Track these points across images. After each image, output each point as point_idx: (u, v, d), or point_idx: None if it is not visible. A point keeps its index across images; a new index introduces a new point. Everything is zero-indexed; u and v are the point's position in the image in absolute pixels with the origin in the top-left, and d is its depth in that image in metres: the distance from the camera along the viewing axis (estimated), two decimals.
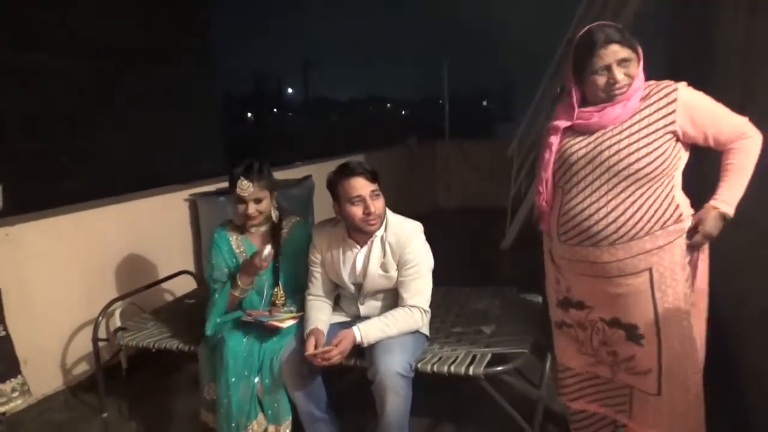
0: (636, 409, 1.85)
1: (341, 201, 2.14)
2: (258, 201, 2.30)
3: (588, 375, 1.97)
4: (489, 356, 2.17)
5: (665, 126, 1.69)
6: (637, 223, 1.68)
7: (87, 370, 3.08)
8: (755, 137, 1.71)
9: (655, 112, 1.71)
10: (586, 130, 1.77)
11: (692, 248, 1.73)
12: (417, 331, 2.20)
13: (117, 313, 3.06)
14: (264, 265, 2.26)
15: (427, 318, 2.23)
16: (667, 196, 1.71)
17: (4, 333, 1.99)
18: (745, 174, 1.70)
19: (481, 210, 7.18)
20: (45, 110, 8.93)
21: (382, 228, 2.20)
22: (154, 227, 3.62)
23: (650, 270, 1.70)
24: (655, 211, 1.69)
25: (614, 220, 1.70)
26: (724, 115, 1.71)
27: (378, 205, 2.13)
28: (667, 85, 1.73)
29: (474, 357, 2.17)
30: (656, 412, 1.78)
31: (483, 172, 7.63)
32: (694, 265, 1.76)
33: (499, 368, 2.10)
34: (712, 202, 1.72)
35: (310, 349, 2.06)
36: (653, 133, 1.69)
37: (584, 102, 1.80)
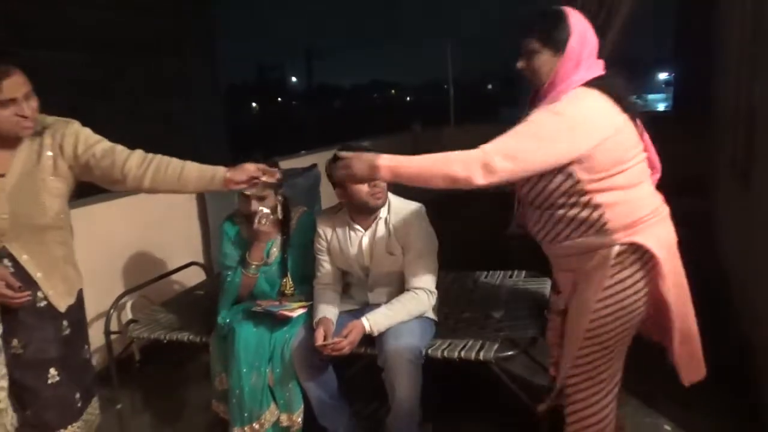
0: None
1: (345, 183, 2.14)
2: (261, 199, 2.30)
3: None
4: (499, 341, 2.17)
5: None
6: (559, 233, 1.66)
7: (100, 363, 3.10)
8: (480, 155, 1.54)
9: None
10: None
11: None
12: (425, 316, 2.21)
13: (128, 305, 3.08)
14: (262, 226, 2.26)
15: (433, 299, 2.23)
16: (581, 212, 1.61)
17: (88, 355, 2.00)
18: (426, 166, 1.58)
19: (488, 194, 7.11)
20: (48, 104, 8.96)
21: (385, 210, 2.21)
22: (162, 219, 3.63)
23: (577, 270, 1.69)
24: (568, 223, 1.64)
25: (541, 228, 1.71)
26: (512, 133, 1.58)
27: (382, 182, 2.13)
28: (561, 93, 1.61)
29: (484, 342, 2.17)
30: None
31: None
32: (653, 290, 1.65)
33: (509, 353, 2.11)
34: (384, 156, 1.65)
35: (320, 339, 2.07)
36: None
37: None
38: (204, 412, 2.54)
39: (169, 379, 3.04)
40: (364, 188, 2.11)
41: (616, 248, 1.59)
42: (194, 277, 3.45)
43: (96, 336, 3.02)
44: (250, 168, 1.85)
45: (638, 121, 1.63)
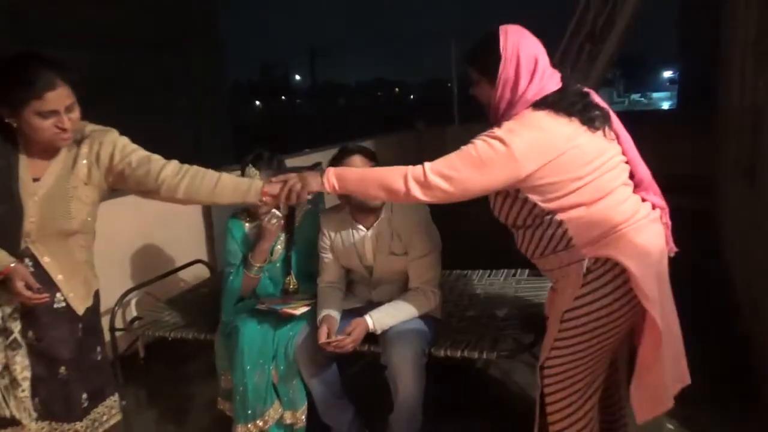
0: None
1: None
2: None
3: None
4: (503, 339, 2.18)
5: None
6: (535, 249, 1.68)
7: (108, 359, 3.12)
8: (417, 170, 1.60)
9: None
10: None
11: None
12: (429, 315, 2.22)
13: (133, 302, 3.10)
14: (271, 226, 2.26)
15: (437, 299, 2.24)
16: (547, 230, 1.61)
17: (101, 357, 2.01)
18: (367, 177, 1.68)
19: None
20: None
21: (388, 209, 2.21)
22: (167, 218, 3.64)
23: (555, 283, 1.72)
24: (539, 241, 1.65)
25: (521, 244, 1.73)
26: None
27: None
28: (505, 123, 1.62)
29: (487, 340, 2.18)
30: None
31: None
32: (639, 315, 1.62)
33: (513, 351, 2.11)
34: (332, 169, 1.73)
35: (323, 337, 2.08)
36: None
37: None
38: (208, 409, 2.55)
39: (174, 376, 3.06)
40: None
41: (585, 262, 1.57)
42: (199, 274, 3.47)
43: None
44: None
45: (610, 129, 1.59)
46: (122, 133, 1.90)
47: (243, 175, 2.28)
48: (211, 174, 1.83)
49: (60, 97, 1.62)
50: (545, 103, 1.54)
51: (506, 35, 1.56)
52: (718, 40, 5.53)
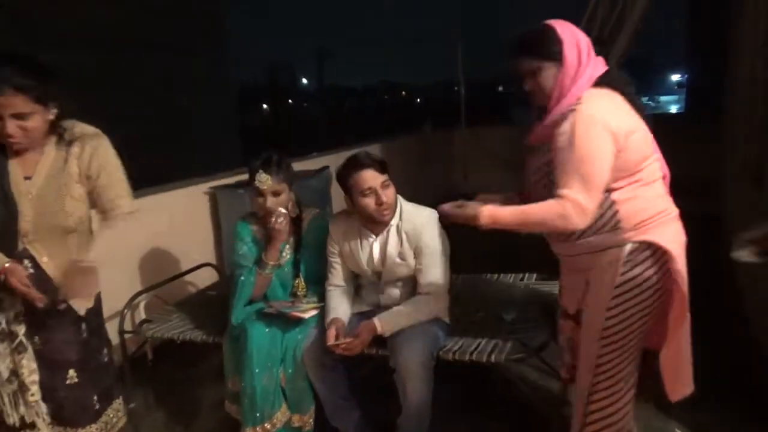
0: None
1: (353, 194, 2.15)
2: (276, 194, 2.30)
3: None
4: (510, 343, 2.17)
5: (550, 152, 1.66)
6: (573, 231, 1.66)
7: (114, 362, 3.13)
8: (568, 205, 1.57)
9: (557, 131, 1.63)
10: (530, 143, 1.79)
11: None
12: (437, 319, 2.22)
13: (141, 305, 3.11)
14: (279, 225, 2.27)
15: (446, 304, 2.24)
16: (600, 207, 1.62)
17: (107, 358, 2.05)
18: (525, 218, 1.65)
19: None
20: (63, 104, 9.07)
21: (397, 216, 2.21)
22: (175, 220, 3.66)
23: (589, 269, 1.70)
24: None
25: None
26: (572, 172, 1.58)
27: (389, 194, 2.14)
28: (571, 106, 1.61)
29: (495, 344, 2.18)
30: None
31: (500, 158, 7.58)
32: (665, 290, 1.67)
33: (521, 355, 2.11)
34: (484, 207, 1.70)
35: (331, 339, 2.08)
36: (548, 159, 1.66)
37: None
38: (216, 411, 2.56)
39: (182, 378, 3.07)
40: (370, 204, 2.12)
41: (629, 246, 1.61)
42: (207, 278, 3.48)
43: (110, 335, 3.06)
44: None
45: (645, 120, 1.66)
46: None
47: (252, 180, 2.29)
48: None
49: (3, 104, 1.61)
50: (604, 82, 1.62)
51: (559, 24, 1.65)
52: (727, 43, 5.51)
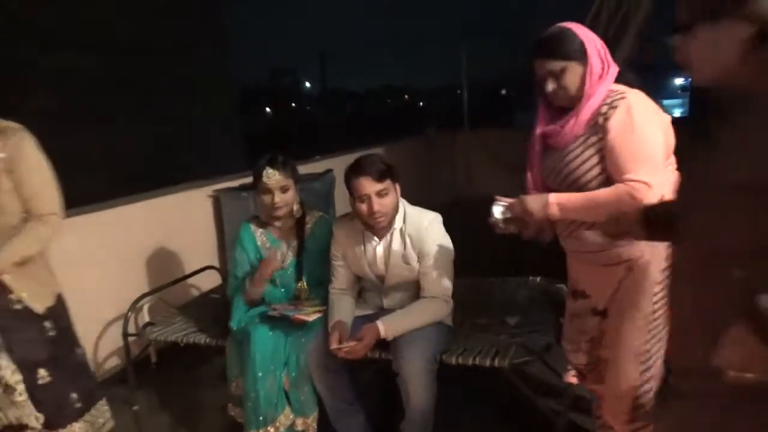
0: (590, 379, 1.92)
1: (353, 197, 2.16)
2: (284, 190, 2.32)
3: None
4: (514, 347, 2.17)
5: (596, 143, 1.64)
6: None
7: (117, 364, 3.15)
8: (636, 185, 1.54)
9: (593, 127, 1.64)
10: (553, 147, 1.76)
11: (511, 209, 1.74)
12: (440, 322, 2.21)
13: (145, 308, 3.12)
14: (272, 260, 2.28)
15: (449, 308, 2.23)
16: None
17: (83, 359, 2.05)
18: (593, 202, 1.61)
19: None
20: (66, 109, 9.09)
21: (400, 220, 2.21)
22: (178, 223, 3.67)
23: (629, 261, 1.69)
24: None
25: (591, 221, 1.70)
26: (636, 157, 1.57)
27: (385, 202, 2.12)
28: (616, 96, 1.62)
29: (499, 348, 2.17)
30: (608, 392, 1.83)
31: (504, 161, 7.58)
32: None
33: (525, 359, 2.10)
34: (552, 194, 1.68)
35: (334, 342, 2.08)
36: (588, 155, 1.65)
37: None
38: (219, 414, 2.56)
39: (185, 381, 3.07)
40: (364, 210, 2.12)
41: None
42: (210, 280, 3.48)
43: (114, 338, 3.07)
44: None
45: None
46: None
47: (260, 178, 2.30)
48: (17, 242, 1.81)
49: None
50: (620, 82, 1.67)
51: (575, 26, 1.68)
52: None
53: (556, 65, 1.65)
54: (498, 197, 1.77)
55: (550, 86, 1.67)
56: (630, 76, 1.70)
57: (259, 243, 2.44)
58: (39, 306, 1.86)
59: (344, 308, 2.25)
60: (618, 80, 1.67)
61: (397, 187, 2.19)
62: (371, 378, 2.55)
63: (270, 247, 2.41)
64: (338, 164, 4.58)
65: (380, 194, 2.11)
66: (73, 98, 9.36)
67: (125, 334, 2.77)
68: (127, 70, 10.70)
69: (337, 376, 2.20)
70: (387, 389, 2.15)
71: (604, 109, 1.62)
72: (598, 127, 1.63)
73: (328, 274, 2.36)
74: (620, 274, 1.71)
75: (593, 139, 1.64)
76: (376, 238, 2.23)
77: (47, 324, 1.88)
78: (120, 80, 10.55)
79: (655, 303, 1.67)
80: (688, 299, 1.10)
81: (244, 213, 3.23)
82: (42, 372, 1.84)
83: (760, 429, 0.98)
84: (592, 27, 5.69)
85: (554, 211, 1.66)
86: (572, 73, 1.64)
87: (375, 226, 2.17)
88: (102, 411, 2.03)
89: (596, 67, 1.64)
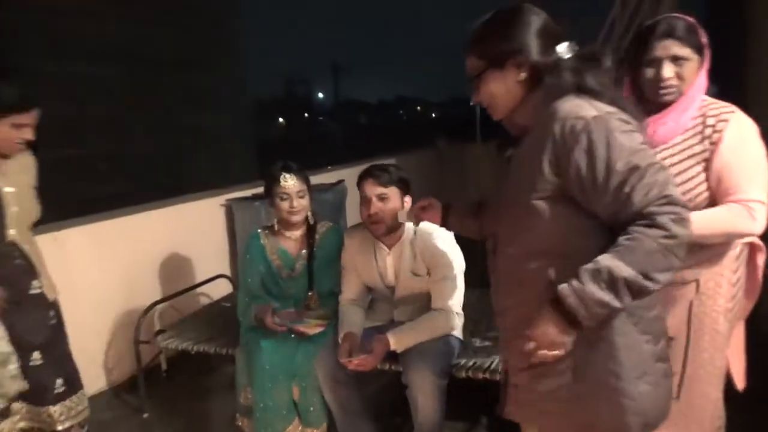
0: None
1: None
2: (301, 195, 2.35)
3: None
4: None
5: (701, 152, 1.56)
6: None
7: (128, 371, 3.16)
8: (754, 206, 1.50)
9: (698, 135, 1.57)
10: None
11: None
12: (451, 335, 2.20)
13: (156, 316, 3.13)
14: (269, 322, 2.26)
15: (460, 321, 2.23)
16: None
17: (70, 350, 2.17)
18: (707, 225, 1.51)
19: None
20: (84, 117, 9.22)
21: (411, 231, 2.21)
22: (191, 232, 3.69)
23: (697, 281, 1.64)
24: None
25: None
26: (752, 177, 1.52)
27: (383, 207, 2.12)
28: (723, 110, 1.57)
29: None
30: (672, 415, 1.76)
31: None
32: (754, 281, 1.70)
33: None
34: None
35: (344, 354, 2.08)
36: (690, 163, 1.57)
37: (640, 102, 1.65)
38: (228, 423, 2.56)
39: (195, 389, 3.08)
40: (363, 212, 2.15)
41: (739, 247, 1.64)
42: (222, 289, 3.50)
43: (125, 345, 3.09)
44: None
45: None
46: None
47: (276, 183, 2.33)
48: None
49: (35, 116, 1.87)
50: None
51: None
52: (743, 58, 5.47)
53: (682, 51, 1.55)
54: None
55: (669, 71, 1.56)
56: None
57: (268, 253, 2.45)
58: (51, 295, 2.04)
59: (354, 319, 2.25)
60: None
61: (407, 198, 2.19)
62: (380, 390, 2.54)
63: (277, 256, 2.43)
64: (350, 175, 4.59)
65: (380, 198, 2.12)
66: (89, 106, 9.50)
67: (136, 341, 2.79)
68: (143, 79, 10.84)
69: (347, 387, 2.20)
70: (396, 401, 2.14)
71: (711, 120, 1.56)
72: (704, 136, 1.56)
73: (338, 285, 2.37)
74: (686, 298, 1.65)
75: (698, 148, 1.56)
76: (386, 249, 2.24)
77: (51, 313, 2.04)
78: (136, 89, 10.69)
79: (729, 322, 1.66)
80: (509, 298, 1.38)
81: (256, 222, 3.25)
82: (36, 355, 1.98)
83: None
84: (605, 42, 5.70)
85: None
86: (692, 66, 1.56)
87: (371, 230, 2.18)
88: (81, 399, 2.15)
89: (706, 66, 1.57)
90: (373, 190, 2.12)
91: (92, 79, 9.29)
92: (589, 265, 1.15)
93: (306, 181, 2.38)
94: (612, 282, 1.13)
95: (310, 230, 2.46)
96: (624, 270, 1.11)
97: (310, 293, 2.43)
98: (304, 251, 2.44)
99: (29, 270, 1.97)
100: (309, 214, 2.44)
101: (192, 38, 12.21)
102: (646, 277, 1.12)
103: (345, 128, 32.74)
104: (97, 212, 3.40)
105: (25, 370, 1.95)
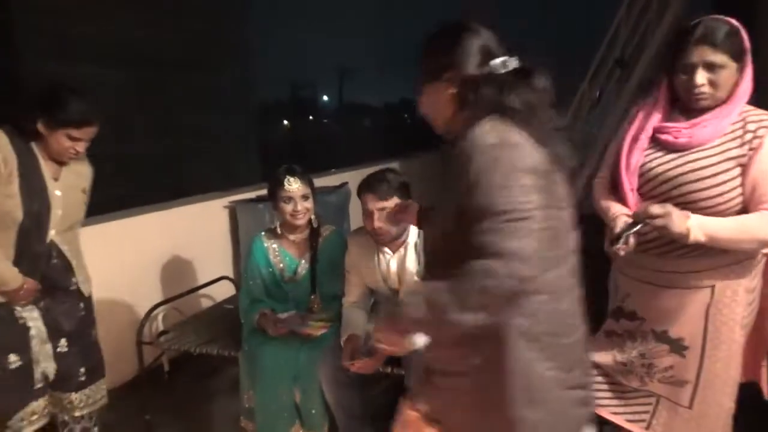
0: (660, 420, 1.78)
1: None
2: (305, 198, 2.35)
3: (609, 380, 1.91)
4: None
5: (739, 156, 1.52)
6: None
7: (130, 373, 3.16)
8: None
9: (737, 139, 1.53)
10: (671, 147, 1.61)
11: (639, 216, 1.52)
12: None
13: (159, 317, 3.14)
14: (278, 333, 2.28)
15: None
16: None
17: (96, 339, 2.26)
18: (740, 231, 1.50)
19: None
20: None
21: (415, 234, 2.21)
22: (194, 234, 3.69)
23: (713, 287, 1.61)
24: None
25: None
26: None
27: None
28: (765, 116, 1.54)
29: None
30: (685, 424, 1.73)
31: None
32: None
33: None
34: (692, 215, 1.52)
35: (347, 357, 2.07)
36: (727, 166, 1.53)
37: (674, 103, 1.64)
38: (231, 425, 2.56)
39: (198, 391, 3.08)
40: (368, 224, 2.15)
41: (759, 255, 1.62)
42: (224, 291, 3.50)
43: (128, 346, 3.09)
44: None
45: None
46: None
47: (281, 186, 2.33)
48: None
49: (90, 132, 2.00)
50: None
51: (739, 24, 1.54)
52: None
53: (717, 58, 1.50)
54: (643, 210, 1.53)
55: (702, 78, 1.52)
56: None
57: (270, 256, 2.45)
58: (87, 290, 2.16)
59: (357, 322, 2.25)
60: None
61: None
62: (382, 393, 2.53)
63: (280, 259, 2.43)
64: (354, 177, 4.58)
65: (382, 212, 2.11)
66: (98, 109, 9.59)
67: (139, 343, 2.79)
68: (148, 81, 10.89)
69: (349, 390, 2.20)
70: (398, 405, 2.13)
71: (752, 126, 1.52)
72: (744, 141, 1.52)
73: (341, 287, 2.36)
74: (700, 304, 1.63)
75: (736, 151, 1.52)
76: (390, 252, 2.23)
77: (81, 305, 2.13)
78: (140, 91, 10.74)
79: (743, 332, 1.64)
80: None
81: (260, 224, 3.25)
82: (63, 342, 2.06)
83: None
84: (610, 47, 5.70)
85: (696, 236, 1.48)
86: (727, 73, 1.52)
87: (377, 240, 2.18)
88: (100, 388, 2.22)
89: (749, 75, 1.54)
90: (375, 204, 2.11)
91: (97, 81, 9.36)
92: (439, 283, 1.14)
93: (310, 184, 2.38)
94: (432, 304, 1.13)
95: (314, 233, 2.46)
96: (443, 296, 1.10)
97: (312, 296, 2.43)
98: (307, 254, 2.44)
99: (67, 268, 2.06)
100: (312, 217, 2.44)
101: (197, 40, 12.26)
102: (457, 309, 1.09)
103: (349, 131, 32.77)
104: (101, 213, 3.41)
105: (54, 355, 2.04)
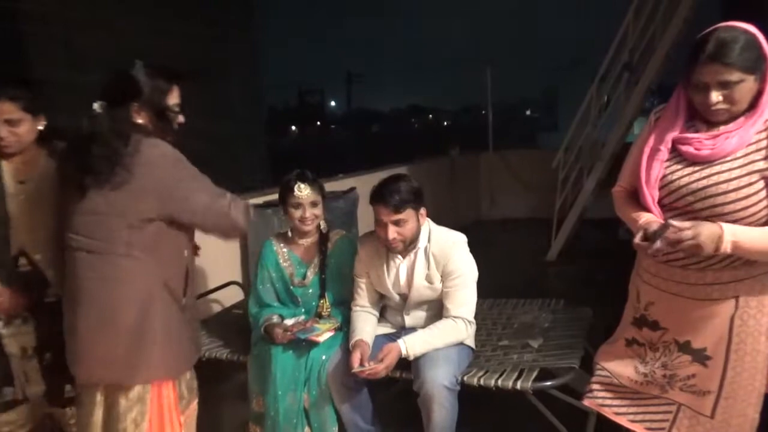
0: (681, 428, 1.75)
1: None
2: (314, 205, 2.35)
3: (627, 388, 1.89)
4: (537, 370, 2.14)
5: (764, 169, 1.49)
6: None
7: None
8: None
9: (762, 151, 1.49)
10: (693, 159, 1.56)
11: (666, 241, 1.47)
12: (462, 344, 2.19)
13: None
14: (277, 336, 2.27)
15: (472, 329, 2.22)
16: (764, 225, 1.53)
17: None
18: (765, 241, 1.47)
19: (526, 221, 7.09)
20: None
21: (425, 239, 2.21)
22: (203, 238, 3.70)
23: (737, 298, 1.59)
24: None
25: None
26: None
27: (401, 231, 2.13)
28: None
29: (521, 371, 2.14)
30: None
31: (527, 183, 7.55)
32: None
33: (548, 383, 2.07)
34: (724, 225, 1.47)
35: (356, 362, 2.07)
36: (752, 179, 1.49)
37: (694, 112, 1.60)
38: (239, 430, 2.56)
39: (206, 396, 3.06)
40: (381, 234, 2.15)
41: None
42: (233, 296, 3.50)
43: None
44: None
45: None
46: None
47: (290, 192, 2.33)
48: None
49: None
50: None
51: (755, 30, 1.49)
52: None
53: (731, 76, 1.44)
54: (672, 222, 1.49)
55: (716, 97, 1.47)
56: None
57: (280, 260, 2.46)
58: None
59: (366, 327, 2.25)
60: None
61: (422, 210, 2.19)
62: (392, 398, 2.53)
63: (289, 263, 2.43)
64: (362, 183, 4.59)
65: (396, 224, 2.12)
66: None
67: None
68: None
69: (358, 395, 2.19)
70: (408, 410, 2.13)
71: None
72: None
73: (349, 292, 2.36)
74: (724, 314, 1.60)
75: (761, 164, 1.48)
76: (399, 257, 2.23)
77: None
78: None
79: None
80: None
81: (269, 230, 3.25)
82: (48, 356, 2.00)
83: None
84: (618, 50, 5.68)
85: (728, 247, 1.45)
86: (744, 87, 1.46)
87: (390, 249, 2.19)
88: None
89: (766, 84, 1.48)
90: (389, 217, 2.11)
91: None
92: None
93: (320, 190, 2.39)
94: None
95: (323, 238, 2.46)
96: None
97: (321, 301, 2.43)
98: (316, 259, 2.44)
99: (41, 279, 1.98)
100: (322, 222, 2.45)
101: (206, 47, 12.35)
102: None
103: (357, 137, 32.87)
104: None
105: (35, 367, 1.99)
